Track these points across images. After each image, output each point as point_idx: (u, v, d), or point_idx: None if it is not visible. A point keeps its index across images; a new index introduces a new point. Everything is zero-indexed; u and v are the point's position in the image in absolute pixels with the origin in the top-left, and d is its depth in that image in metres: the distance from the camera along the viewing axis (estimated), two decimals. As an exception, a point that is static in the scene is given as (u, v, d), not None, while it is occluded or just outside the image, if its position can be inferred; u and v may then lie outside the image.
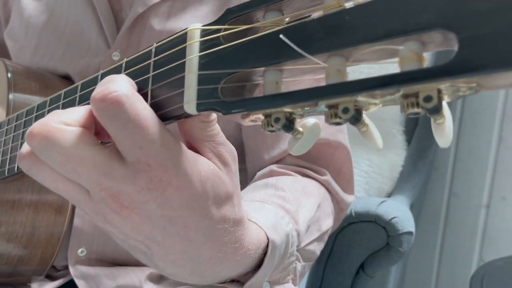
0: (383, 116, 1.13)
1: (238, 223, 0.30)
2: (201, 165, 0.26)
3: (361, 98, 0.19)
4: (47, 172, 0.26)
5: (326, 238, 0.54)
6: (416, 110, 0.18)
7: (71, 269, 0.57)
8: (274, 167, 0.55)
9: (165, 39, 0.26)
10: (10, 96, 0.52)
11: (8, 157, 0.42)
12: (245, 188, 0.52)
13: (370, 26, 0.19)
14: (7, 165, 0.42)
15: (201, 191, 0.26)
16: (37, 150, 0.24)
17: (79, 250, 0.57)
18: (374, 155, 1.14)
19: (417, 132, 1.16)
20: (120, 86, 0.23)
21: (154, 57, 0.27)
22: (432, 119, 0.20)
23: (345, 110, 0.20)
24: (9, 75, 0.54)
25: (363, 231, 0.63)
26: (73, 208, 0.55)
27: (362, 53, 0.20)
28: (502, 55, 0.16)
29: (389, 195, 1.09)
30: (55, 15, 0.62)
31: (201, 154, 0.27)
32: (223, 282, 0.35)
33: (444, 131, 0.20)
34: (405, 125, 1.16)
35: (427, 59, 0.19)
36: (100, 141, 0.25)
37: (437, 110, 0.18)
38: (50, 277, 0.59)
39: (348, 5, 0.21)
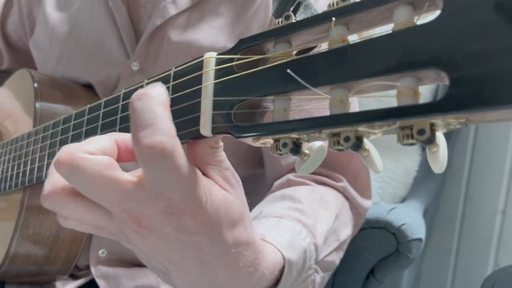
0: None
1: (250, 244, 0.30)
2: (215, 194, 0.27)
3: (361, 128, 0.21)
4: (70, 208, 0.27)
5: (345, 247, 0.54)
6: (411, 141, 0.20)
7: (92, 269, 0.59)
8: (291, 176, 0.56)
9: (183, 64, 0.28)
10: (37, 105, 0.55)
11: (36, 166, 0.45)
12: (263, 200, 0.53)
13: (370, 63, 0.21)
14: (35, 173, 0.45)
15: (215, 218, 0.27)
16: (64, 176, 0.26)
17: (100, 251, 0.59)
18: (389, 161, 1.14)
19: None
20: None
21: (173, 81, 0.29)
22: (427, 148, 0.22)
23: (347, 139, 0.21)
24: (35, 85, 0.57)
25: (373, 237, 0.64)
26: None
27: (363, 86, 0.22)
28: (488, 95, 0.17)
29: (403, 200, 1.09)
30: (78, 26, 0.64)
31: (209, 178, 0.28)
32: None
33: (438, 159, 0.22)
34: (420, 130, 1.17)
35: (423, 94, 0.20)
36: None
37: (430, 141, 0.20)
38: (73, 276, 0.62)
39: (351, 40, 0.22)
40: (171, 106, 0.28)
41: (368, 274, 0.65)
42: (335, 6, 0.23)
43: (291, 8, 0.31)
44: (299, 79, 0.22)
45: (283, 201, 0.49)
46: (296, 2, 0.30)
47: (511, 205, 1.28)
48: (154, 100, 0.24)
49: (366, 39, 0.21)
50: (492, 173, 1.31)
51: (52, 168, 0.27)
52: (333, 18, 0.22)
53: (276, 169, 0.58)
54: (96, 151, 0.25)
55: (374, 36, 0.21)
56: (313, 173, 0.54)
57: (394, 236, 0.63)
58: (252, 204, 0.48)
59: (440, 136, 0.21)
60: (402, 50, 0.20)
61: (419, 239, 0.64)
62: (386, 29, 0.22)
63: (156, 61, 0.58)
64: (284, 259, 0.36)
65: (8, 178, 0.51)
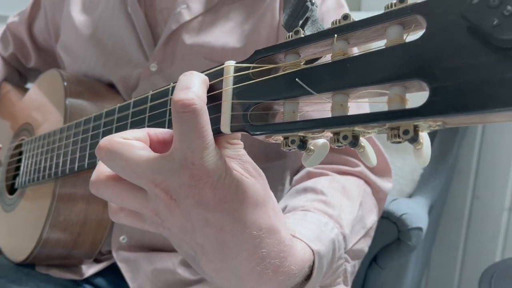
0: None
1: (273, 232, 0.31)
2: (235, 174, 0.30)
3: (357, 128, 0.25)
4: (112, 192, 0.31)
5: (372, 233, 0.54)
6: (397, 139, 0.23)
7: (114, 254, 0.63)
8: (310, 168, 0.56)
9: (206, 70, 0.32)
10: (67, 102, 0.60)
11: (68, 158, 0.49)
12: (286, 195, 0.54)
13: (366, 73, 0.24)
14: (68, 165, 0.49)
15: (234, 194, 0.29)
16: (104, 160, 0.30)
17: (121, 237, 0.63)
18: (396, 158, 1.17)
19: (438, 136, 1.18)
20: (199, 96, 0.28)
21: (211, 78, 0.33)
22: (412, 146, 0.25)
23: (345, 137, 0.25)
24: (65, 83, 0.62)
25: (377, 227, 0.68)
26: None
27: (360, 93, 0.25)
28: (460, 103, 0.21)
29: (410, 196, 1.12)
30: (100, 29, 0.68)
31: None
32: None
33: (422, 155, 0.25)
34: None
35: (409, 100, 0.24)
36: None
37: (414, 140, 0.23)
38: (96, 260, 0.66)
39: (351, 54, 0.26)
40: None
41: (371, 261, 0.68)
42: (338, 24, 0.27)
43: (300, 22, 0.35)
44: (305, 86, 0.26)
45: (305, 193, 0.51)
46: (305, 17, 0.34)
47: None
48: (196, 75, 0.29)
49: (362, 53, 0.25)
50: (499, 171, 1.33)
51: (98, 160, 0.31)
52: (335, 35, 0.26)
53: (298, 158, 0.59)
54: (131, 138, 0.29)
55: (369, 51, 0.25)
56: (330, 162, 0.56)
57: (395, 225, 0.67)
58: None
59: (423, 135, 0.25)
60: (392, 63, 0.24)
61: (419, 228, 0.68)
62: (380, 44, 0.26)
63: (173, 62, 0.62)
64: (313, 253, 0.37)
65: (42, 169, 0.55)
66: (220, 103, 0.30)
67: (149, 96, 0.37)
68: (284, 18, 0.37)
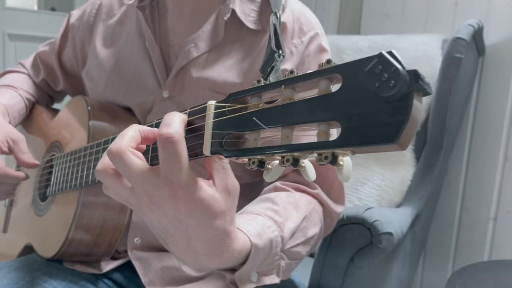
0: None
1: (228, 234, 0.42)
2: (204, 191, 0.38)
3: (296, 154, 0.33)
4: (112, 181, 0.40)
5: (312, 242, 0.62)
6: (321, 162, 0.32)
7: (129, 253, 0.71)
8: (278, 183, 0.66)
9: (195, 106, 0.41)
10: (90, 123, 0.69)
11: (91, 172, 0.58)
12: (252, 201, 0.63)
13: (302, 115, 0.33)
14: (90, 177, 0.58)
15: (200, 206, 0.38)
16: (112, 161, 0.39)
17: (135, 239, 0.71)
18: (386, 171, 1.24)
19: (425, 150, 1.24)
20: (177, 131, 0.36)
21: (188, 117, 0.42)
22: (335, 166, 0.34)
23: (288, 160, 0.34)
24: (89, 108, 0.71)
25: (352, 231, 0.75)
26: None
27: (299, 128, 0.34)
28: (361, 140, 0.29)
29: (399, 206, 1.19)
30: (121, 60, 0.77)
31: (213, 179, 0.40)
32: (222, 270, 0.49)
33: (342, 173, 0.33)
34: (415, 144, 1.25)
35: (332, 134, 0.32)
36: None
37: (333, 163, 0.32)
38: (113, 258, 0.74)
39: (296, 98, 0.35)
40: (189, 132, 0.41)
41: (349, 262, 0.76)
42: (286, 77, 0.35)
43: (268, 69, 0.44)
44: (259, 123, 0.34)
45: (265, 202, 0.60)
46: (271, 66, 0.43)
47: (502, 213, 1.36)
48: (176, 115, 0.38)
49: (301, 99, 0.33)
50: (485, 184, 1.39)
51: (105, 154, 0.40)
52: (283, 86, 0.35)
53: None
54: (133, 143, 0.39)
55: (305, 98, 0.33)
56: (295, 181, 0.66)
57: (369, 230, 0.74)
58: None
59: (344, 159, 0.33)
60: (320, 108, 0.32)
61: (390, 233, 0.75)
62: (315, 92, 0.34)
63: (182, 91, 0.71)
64: (251, 244, 0.47)
65: (69, 180, 0.65)
66: (203, 133, 0.39)
67: (153, 124, 0.46)
68: (261, 64, 0.46)
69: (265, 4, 0.72)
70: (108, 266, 0.72)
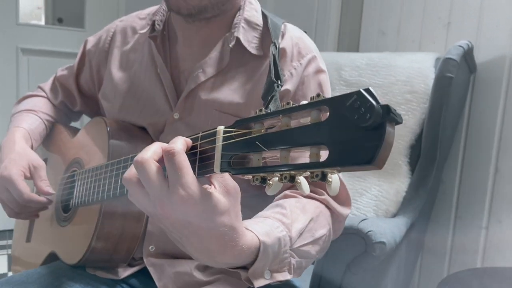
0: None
1: (235, 229, 0.47)
2: (208, 195, 0.44)
3: (292, 172, 0.39)
4: (134, 188, 0.46)
5: (321, 242, 0.66)
6: (313, 180, 0.38)
7: (144, 260, 0.77)
8: (287, 191, 0.70)
9: (206, 130, 0.47)
10: (110, 142, 0.75)
11: (112, 187, 0.64)
12: (265, 208, 0.68)
13: (298, 139, 0.39)
14: (111, 191, 0.64)
15: (207, 208, 0.44)
16: (136, 169, 0.45)
17: (150, 247, 0.77)
18: (383, 182, 1.29)
19: (419, 163, 1.29)
20: (177, 145, 0.44)
21: (200, 140, 0.48)
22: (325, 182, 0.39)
23: (285, 177, 0.39)
24: (108, 128, 0.77)
25: (348, 240, 0.80)
26: (147, 218, 0.77)
27: (295, 150, 0.40)
28: (345, 161, 0.35)
29: (394, 215, 1.23)
30: (135, 84, 0.82)
31: (213, 184, 0.46)
32: (235, 268, 0.53)
33: (331, 188, 0.39)
34: (409, 157, 1.30)
35: (322, 156, 0.38)
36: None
37: (323, 179, 0.37)
38: (130, 264, 0.79)
39: (292, 125, 0.41)
40: (201, 153, 0.47)
41: (346, 269, 0.81)
42: (284, 107, 0.41)
43: (268, 98, 0.50)
44: (261, 146, 0.40)
45: (274, 208, 0.64)
46: (272, 95, 0.49)
47: (493, 222, 1.40)
48: (180, 139, 0.46)
49: (296, 127, 0.39)
50: (477, 195, 1.44)
51: (132, 165, 0.46)
52: (281, 115, 0.41)
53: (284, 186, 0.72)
54: (156, 157, 0.45)
55: (300, 126, 0.39)
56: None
57: (363, 240, 0.80)
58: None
59: (333, 176, 0.39)
60: (311, 134, 0.38)
61: (382, 242, 0.80)
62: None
63: (191, 112, 0.77)
64: (260, 242, 0.52)
65: (91, 194, 0.71)
66: (214, 154, 0.45)
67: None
68: (262, 92, 0.52)
69: (266, 31, 0.78)
70: (125, 272, 0.78)
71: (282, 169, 0.39)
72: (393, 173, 1.29)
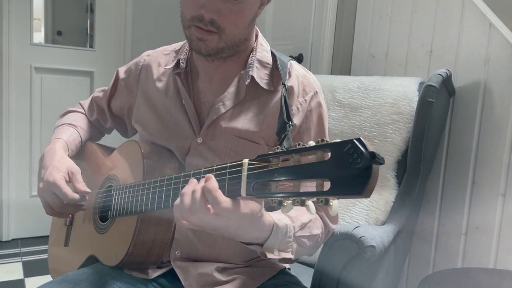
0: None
1: (261, 216, 0.63)
2: (238, 204, 0.57)
3: (303, 198, 0.50)
4: (199, 202, 0.58)
5: (314, 240, 0.80)
6: (319, 204, 0.48)
7: (172, 263, 0.86)
8: None
9: (233, 161, 0.58)
10: (144, 162, 0.84)
11: (149, 201, 0.74)
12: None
13: (306, 173, 0.49)
14: (149, 205, 0.74)
15: (238, 213, 0.58)
16: (207, 194, 0.57)
17: (176, 252, 0.86)
18: (373, 194, 1.38)
19: (405, 176, 1.39)
20: (212, 184, 0.56)
21: (229, 169, 0.58)
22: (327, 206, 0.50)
23: (297, 202, 0.50)
24: (142, 150, 0.87)
25: (343, 244, 0.91)
26: (174, 227, 0.85)
27: (304, 181, 0.50)
28: (342, 192, 0.46)
29: (383, 223, 1.33)
30: (163, 112, 0.92)
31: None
32: (250, 245, 0.68)
33: (332, 210, 0.49)
34: (397, 171, 1.40)
35: (325, 186, 0.48)
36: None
37: (326, 203, 0.48)
38: (159, 266, 0.88)
39: (302, 161, 0.51)
40: (228, 181, 0.57)
41: (342, 269, 0.91)
42: (296, 147, 0.52)
43: (282, 136, 0.60)
44: (278, 176, 0.51)
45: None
46: (284, 134, 0.60)
47: (471, 229, 1.50)
48: (213, 177, 0.56)
49: (305, 163, 0.50)
50: (457, 204, 1.53)
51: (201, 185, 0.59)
52: (293, 154, 0.51)
53: None
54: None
55: (308, 163, 0.50)
56: None
57: (356, 244, 0.90)
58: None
59: (333, 201, 0.49)
60: (318, 170, 0.48)
61: (373, 246, 0.91)
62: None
63: (213, 138, 0.86)
64: (274, 224, 0.67)
65: (129, 207, 0.80)
66: (241, 181, 0.55)
67: (202, 172, 0.63)
68: (276, 129, 0.63)
69: (275, 69, 0.89)
70: (155, 273, 0.87)
71: (295, 196, 0.50)
72: (382, 186, 1.39)
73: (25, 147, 2.62)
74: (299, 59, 2.24)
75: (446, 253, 1.57)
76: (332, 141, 0.48)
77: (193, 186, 0.58)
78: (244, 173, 0.55)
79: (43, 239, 2.63)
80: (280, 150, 0.54)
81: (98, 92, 1.12)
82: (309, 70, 0.94)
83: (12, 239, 2.62)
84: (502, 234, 1.43)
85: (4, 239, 2.60)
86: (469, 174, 1.50)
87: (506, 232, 1.41)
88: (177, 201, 0.59)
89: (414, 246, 1.64)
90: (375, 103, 1.52)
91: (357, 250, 0.90)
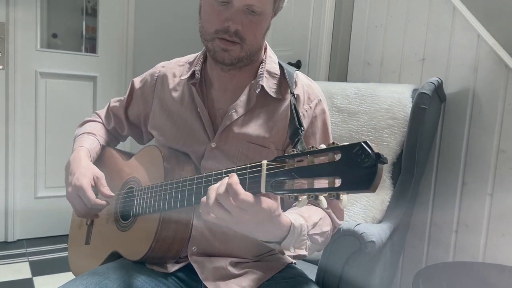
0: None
1: (279, 215, 0.68)
2: (260, 201, 0.63)
3: (316, 193, 0.57)
4: (224, 197, 0.64)
5: (325, 236, 0.86)
6: (331, 198, 0.55)
7: (189, 258, 0.92)
8: None
9: (252, 163, 0.65)
10: (165, 164, 0.91)
11: (172, 201, 0.81)
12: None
13: (320, 171, 0.57)
14: (172, 204, 0.81)
15: (261, 211, 0.64)
16: (229, 190, 0.63)
17: (193, 248, 0.92)
18: (370, 194, 1.47)
19: (400, 178, 1.46)
20: (234, 179, 0.62)
21: (249, 169, 0.66)
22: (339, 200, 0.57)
23: (311, 197, 0.57)
24: (162, 153, 0.94)
25: (346, 240, 0.98)
26: (192, 224, 0.92)
27: (318, 179, 0.58)
28: (352, 188, 0.53)
29: (380, 221, 1.41)
30: (178, 119, 0.98)
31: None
32: (269, 243, 0.73)
33: (342, 204, 0.56)
34: (392, 173, 1.48)
35: (336, 183, 0.56)
36: None
37: (337, 198, 0.55)
38: (177, 261, 0.94)
39: (316, 161, 0.59)
40: (249, 179, 0.65)
41: (345, 262, 0.98)
42: (310, 150, 0.59)
43: (295, 140, 0.68)
44: (295, 175, 0.58)
45: (295, 209, 0.84)
46: (298, 138, 0.67)
47: (461, 227, 1.58)
48: (235, 174, 0.63)
49: (318, 163, 0.57)
50: (448, 204, 1.61)
51: (224, 182, 0.65)
52: (308, 155, 0.59)
53: None
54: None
55: (321, 163, 0.57)
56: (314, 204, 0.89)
57: (358, 239, 0.98)
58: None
59: (343, 196, 0.56)
60: (330, 169, 0.56)
61: (373, 241, 0.99)
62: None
63: (226, 142, 0.94)
64: (291, 223, 0.72)
65: (151, 206, 0.87)
66: (260, 179, 0.63)
67: (223, 172, 0.70)
68: (289, 133, 0.70)
69: (283, 79, 0.96)
70: (174, 267, 0.93)
71: (309, 192, 0.57)
72: (379, 186, 1.46)
73: (30, 150, 2.67)
74: (298, 65, 2.32)
75: (438, 249, 1.64)
76: (342, 144, 0.56)
77: (219, 183, 0.65)
78: (264, 172, 0.63)
79: (47, 240, 2.69)
80: (295, 152, 0.61)
81: (114, 102, 1.19)
82: (308, 75, 1.02)
83: (18, 240, 2.67)
84: (489, 231, 1.49)
85: (9, 240, 2.65)
86: (459, 175, 1.58)
87: (493, 229, 1.48)
88: (204, 198, 0.66)
89: (408, 242, 1.71)
90: (371, 109, 1.59)
91: (358, 245, 0.98)
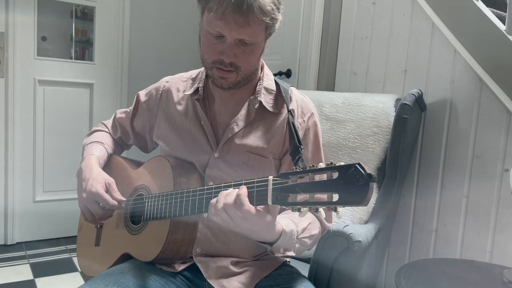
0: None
1: (274, 225, 0.76)
2: (259, 213, 0.70)
3: (317, 206, 0.64)
4: (230, 206, 0.71)
5: (313, 238, 0.92)
6: (329, 211, 0.63)
7: (194, 258, 0.99)
8: None
9: (260, 177, 0.72)
10: (174, 173, 0.97)
11: (184, 208, 0.88)
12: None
13: (318, 188, 0.64)
14: (183, 211, 0.87)
15: (260, 220, 0.71)
16: (221, 194, 0.71)
17: (198, 249, 0.99)
18: (357, 197, 1.55)
19: (384, 181, 1.54)
20: (243, 191, 0.69)
21: (257, 183, 0.73)
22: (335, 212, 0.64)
23: (312, 209, 0.65)
24: (170, 163, 1.00)
25: (336, 240, 1.06)
26: (197, 228, 0.99)
27: (318, 193, 0.65)
28: (348, 202, 0.61)
29: (366, 222, 1.49)
30: (183, 131, 1.04)
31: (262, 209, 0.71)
32: (264, 244, 0.80)
33: (338, 215, 0.64)
34: (377, 177, 1.57)
35: (334, 197, 0.63)
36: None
37: (335, 211, 0.63)
38: (183, 262, 1.01)
39: (316, 178, 0.66)
40: (257, 192, 0.72)
41: (334, 260, 1.06)
42: (310, 168, 0.66)
43: (296, 157, 0.76)
44: (298, 190, 0.65)
45: (288, 213, 0.91)
46: (298, 156, 0.75)
47: (440, 226, 1.66)
48: (245, 187, 0.70)
49: (317, 181, 0.65)
50: (428, 205, 1.70)
51: (232, 192, 0.72)
52: (309, 173, 0.66)
53: None
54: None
55: (320, 180, 0.65)
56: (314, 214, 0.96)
57: (346, 240, 1.05)
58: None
59: (339, 209, 0.64)
60: (329, 186, 0.63)
61: (359, 241, 1.07)
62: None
63: (228, 152, 1.00)
64: (282, 230, 0.79)
65: (162, 212, 0.93)
66: (267, 193, 0.70)
67: (222, 186, 0.77)
68: (290, 149, 0.78)
69: (279, 94, 1.03)
70: (180, 267, 1.00)
71: (311, 205, 0.65)
72: (365, 190, 1.54)
73: (29, 155, 2.69)
74: (288, 73, 2.39)
75: (420, 247, 1.72)
76: (339, 164, 0.63)
77: (229, 191, 0.73)
78: (270, 186, 0.70)
79: (46, 242, 2.71)
80: (298, 170, 0.68)
81: (120, 114, 1.24)
82: (297, 84, 1.10)
83: (17, 243, 2.69)
84: (466, 229, 1.58)
85: (9, 243, 2.66)
86: (438, 179, 1.66)
87: (469, 228, 1.57)
88: (214, 200, 0.73)
89: (392, 241, 1.79)
90: (358, 117, 1.67)
91: (346, 245, 1.06)
